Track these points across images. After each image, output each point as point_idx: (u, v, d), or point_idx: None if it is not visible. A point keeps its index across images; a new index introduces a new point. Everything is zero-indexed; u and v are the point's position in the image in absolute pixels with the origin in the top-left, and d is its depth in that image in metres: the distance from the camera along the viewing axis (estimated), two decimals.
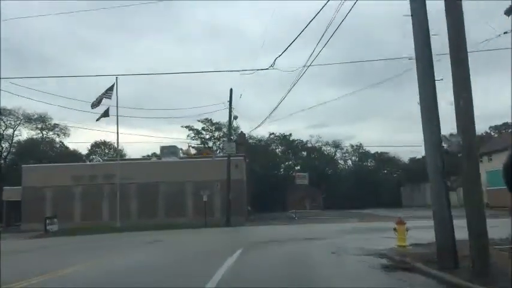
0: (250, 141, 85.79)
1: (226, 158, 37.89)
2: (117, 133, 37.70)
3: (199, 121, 76.08)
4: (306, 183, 43.64)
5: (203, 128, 79.50)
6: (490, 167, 56.00)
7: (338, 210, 63.41)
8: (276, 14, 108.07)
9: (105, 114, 37.31)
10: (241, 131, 52.43)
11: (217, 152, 72.76)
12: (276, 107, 30.85)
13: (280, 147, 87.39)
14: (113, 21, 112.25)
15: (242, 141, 53.46)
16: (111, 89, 36.72)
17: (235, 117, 34.47)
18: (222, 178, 38.98)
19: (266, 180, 76.74)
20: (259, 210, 64.59)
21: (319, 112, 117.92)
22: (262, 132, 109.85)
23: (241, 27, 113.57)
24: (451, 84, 10.25)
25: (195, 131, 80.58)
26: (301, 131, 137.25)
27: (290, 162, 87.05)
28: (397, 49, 71.76)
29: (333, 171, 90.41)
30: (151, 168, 43.41)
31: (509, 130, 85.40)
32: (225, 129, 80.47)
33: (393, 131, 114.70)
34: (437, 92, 11.49)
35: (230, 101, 35.10)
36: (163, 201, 42.01)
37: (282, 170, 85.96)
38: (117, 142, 38.67)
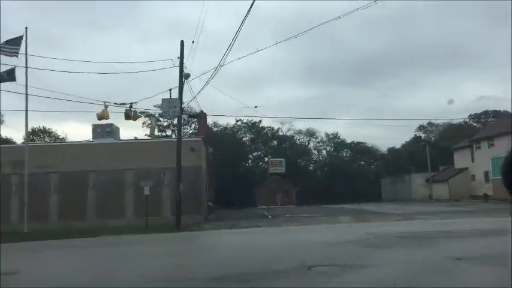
0: (215, 129, 75.54)
1: (182, 140, 27.49)
2: (26, 105, 26.64)
3: (156, 106, 65.16)
4: (283, 171, 33.75)
5: (160, 115, 68.51)
6: (492, 153, 47.77)
7: (313, 205, 54.04)
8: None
9: (9, 76, 26.24)
10: (202, 110, 42.05)
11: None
12: (221, 63, 21.06)
13: (248, 135, 77.37)
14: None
15: (202, 122, 43.24)
16: (16, 42, 25.70)
17: (187, 76, 24.21)
18: (173, 165, 28.59)
19: (232, 172, 66.66)
20: (224, 207, 54.92)
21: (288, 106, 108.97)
22: (228, 119, 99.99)
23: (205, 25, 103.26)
24: None
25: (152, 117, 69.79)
26: (270, 120, 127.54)
27: (259, 153, 77.20)
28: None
29: (306, 162, 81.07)
30: (78, 152, 32.36)
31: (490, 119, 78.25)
32: (185, 116, 69.97)
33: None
34: None
35: (181, 56, 24.82)
36: (94, 196, 31.27)
37: (250, 161, 76.06)
38: (26, 117, 27.43)
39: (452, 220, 23.28)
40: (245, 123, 74.59)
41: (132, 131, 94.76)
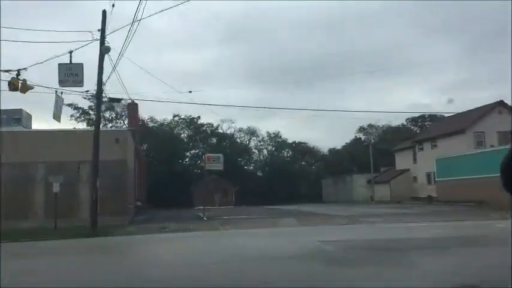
0: (152, 124, 70.77)
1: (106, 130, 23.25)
2: None
3: (85, 98, 59.61)
4: (221, 168, 30.21)
5: (90, 107, 62.91)
6: (435, 154, 46.77)
7: (253, 206, 51.02)
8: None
9: None
10: (134, 101, 37.77)
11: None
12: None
13: (186, 131, 73.07)
14: None
15: (133, 113, 38.97)
16: None
17: (107, 49, 20.01)
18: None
19: (169, 170, 62.30)
20: (158, 207, 50.72)
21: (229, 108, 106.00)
22: (165, 114, 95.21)
23: None
24: None
25: (81, 110, 64.10)
26: (210, 115, 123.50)
27: (198, 150, 73.14)
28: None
29: (246, 161, 78.00)
30: None
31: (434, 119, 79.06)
32: (119, 109, 64.75)
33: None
34: None
35: (103, 26, 20.61)
36: None
37: (187, 159, 71.89)
38: None
39: (407, 224, 20.78)
40: (183, 119, 70.36)
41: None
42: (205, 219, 27.71)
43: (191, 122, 70.94)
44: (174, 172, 62.97)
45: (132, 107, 38.17)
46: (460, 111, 48.56)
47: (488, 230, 15.72)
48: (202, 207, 32.96)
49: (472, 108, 46.53)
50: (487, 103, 45.26)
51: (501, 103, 43.13)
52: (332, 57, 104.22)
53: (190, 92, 24.21)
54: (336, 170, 72.05)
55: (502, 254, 8.09)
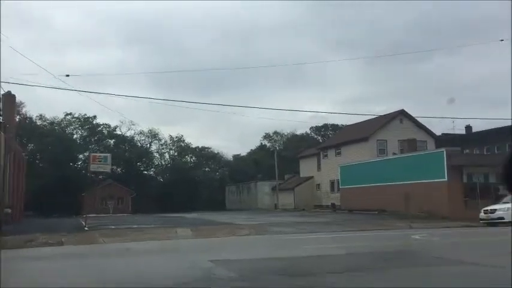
0: (40, 123, 63.58)
1: None
2: None
3: None
4: (108, 170, 26.24)
5: None
6: (339, 161, 46.20)
7: (151, 214, 47.08)
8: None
9: None
10: (10, 91, 32.37)
11: None
12: None
13: (80, 132, 66.67)
14: None
15: (10, 107, 33.38)
16: None
17: None
18: None
19: (56, 174, 55.92)
20: (41, 214, 44.97)
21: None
22: (56, 112, 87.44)
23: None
24: None
25: None
26: (109, 116, 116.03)
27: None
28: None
29: (147, 166, 73.19)
30: None
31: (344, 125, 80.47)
32: None
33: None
34: None
35: None
36: None
37: (80, 162, 65.53)
38: None
39: (317, 235, 18.68)
40: (76, 117, 64.01)
41: None
42: (86, 229, 23.57)
43: (86, 122, 64.80)
44: (63, 176, 56.73)
45: (8, 99, 32.68)
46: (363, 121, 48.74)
47: (407, 242, 13.89)
48: (85, 216, 28.55)
49: (375, 116, 46.69)
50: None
51: (402, 112, 43.62)
52: (240, 66, 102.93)
53: (68, 75, 20.13)
54: (240, 176, 70.05)
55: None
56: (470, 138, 48.31)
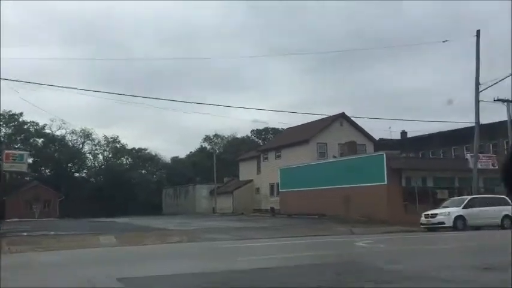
0: None
1: None
2: None
3: None
4: (24, 170, 23.34)
5: None
6: (279, 164, 44.99)
7: (80, 218, 43.80)
8: None
9: None
10: None
11: None
12: None
13: (4, 129, 61.38)
14: None
15: None
16: None
17: None
18: None
19: None
20: None
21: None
22: None
23: None
24: None
25: None
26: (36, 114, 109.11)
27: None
28: None
29: (79, 167, 68.80)
30: None
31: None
32: None
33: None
34: None
35: None
36: None
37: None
38: None
39: (256, 242, 17.04)
40: (0, 114, 58.74)
41: None
42: None
43: (11, 118, 59.67)
44: None
45: None
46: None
47: (354, 251, 12.49)
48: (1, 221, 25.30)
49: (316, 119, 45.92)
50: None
51: (343, 115, 43.16)
52: (182, 68, 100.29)
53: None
54: (179, 179, 67.45)
55: None
56: (405, 143, 48.84)
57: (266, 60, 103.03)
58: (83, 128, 67.49)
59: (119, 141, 70.39)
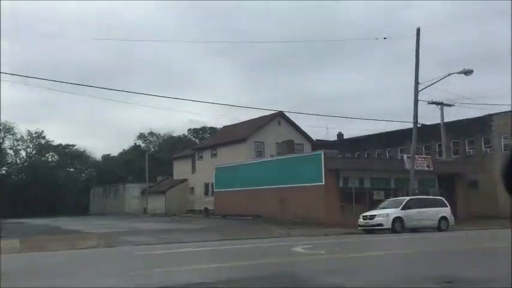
0: None
1: None
2: None
3: None
4: None
5: None
6: (215, 163, 42.95)
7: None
8: None
9: None
10: None
11: None
12: None
13: None
14: None
15: None
16: None
17: None
18: None
19: None
20: None
21: None
22: None
23: None
24: None
25: None
26: None
27: None
28: None
29: None
30: None
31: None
32: None
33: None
34: None
35: None
36: None
37: None
38: None
39: (182, 247, 14.98)
40: None
41: None
42: None
43: None
44: None
45: None
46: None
47: (290, 257, 10.75)
48: None
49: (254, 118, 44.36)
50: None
51: (281, 114, 41.83)
52: (120, 64, 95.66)
53: None
54: (110, 178, 63.51)
55: None
56: (341, 144, 48.47)
57: (205, 59, 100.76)
58: (3, 121, 61.89)
59: (44, 137, 65.34)
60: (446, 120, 35.92)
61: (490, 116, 38.08)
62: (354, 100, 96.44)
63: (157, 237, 19.28)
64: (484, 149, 38.63)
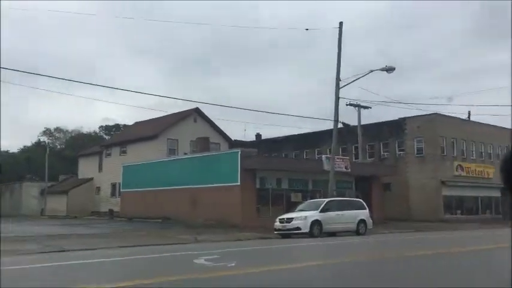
0: None
1: None
2: None
3: None
4: None
5: None
6: (124, 161, 39.24)
7: None
8: None
9: None
10: None
11: None
12: None
13: None
14: None
15: None
16: None
17: None
18: None
19: None
20: None
21: None
22: None
23: None
24: None
25: None
26: None
27: None
28: None
29: None
30: None
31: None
32: None
33: None
34: None
35: None
36: None
37: None
38: None
39: (66, 259, 11.92)
40: None
41: None
42: None
43: None
44: None
45: None
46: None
47: (188, 274, 8.26)
48: None
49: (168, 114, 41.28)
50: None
51: (197, 111, 39.24)
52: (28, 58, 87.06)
53: None
54: (9, 176, 56.77)
55: None
56: (260, 145, 46.94)
57: (122, 59, 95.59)
58: None
59: None
60: (363, 122, 35.52)
61: (403, 119, 38.34)
62: (276, 102, 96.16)
63: (42, 244, 15.93)
64: (397, 152, 38.82)
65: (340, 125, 25.08)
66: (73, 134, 75.72)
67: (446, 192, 37.07)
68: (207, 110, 43.33)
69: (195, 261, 9.66)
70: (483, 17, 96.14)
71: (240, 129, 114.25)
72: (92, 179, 45.12)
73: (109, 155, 42.81)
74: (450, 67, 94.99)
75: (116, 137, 50.06)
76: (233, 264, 9.07)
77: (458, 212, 38.57)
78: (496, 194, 41.03)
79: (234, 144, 41.13)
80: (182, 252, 12.42)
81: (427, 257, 11.08)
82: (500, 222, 36.37)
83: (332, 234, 20.77)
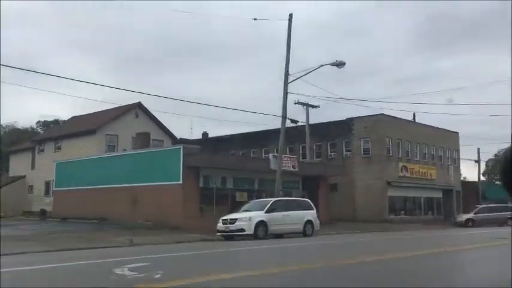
0: None
1: None
2: None
3: None
4: None
5: None
6: (59, 157, 36.45)
7: None
8: None
9: None
10: None
11: None
12: None
13: None
14: None
15: None
16: None
17: None
18: None
19: None
20: None
21: None
22: None
23: None
24: None
25: None
26: None
27: None
28: None
29: None
30: None
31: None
32: None
33: None
34: None
35: None
36: None
37: None
38: None
39: None
40: None
41: None
42: None
43: None
44: None
45: None
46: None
47: (102, 283, 6.73)
48: None
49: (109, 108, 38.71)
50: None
51: (139, 105, 37.08)
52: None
53: None
54: None
55: None
56: (206, 143, 45.37)
57: (65, 54, 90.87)
58: None
59: None
60: (312, 122, 34.85)
61: (351, 119, 38.05)
62: (224, 101, 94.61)
63: None
64: (345, 152, 38.48)
65: (288, 122, 24.04)
66: (7, 130, 70.73)
67: (391, 192, 37.13)
68: (151, 107, 41.29)
69: (116, 270, 8.08)
70: (427, 27, 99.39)
71: (187, 128, 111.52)
72: (24, 176, 41.78)
73: (42, 151, 39.70)
74: (396, 73, 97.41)
75: (50, 132, 46.79)
76: (159, 275, 7.58)
77: (402, 212, 38.76)
78: (438, 195, 41.73)
79: (178, 142, 39.24)
80: (107, 259, 10.73)
81: (381, 261, 10.10)
82: (441, 223, 36.90)
83: (278, 235, 19.65)
